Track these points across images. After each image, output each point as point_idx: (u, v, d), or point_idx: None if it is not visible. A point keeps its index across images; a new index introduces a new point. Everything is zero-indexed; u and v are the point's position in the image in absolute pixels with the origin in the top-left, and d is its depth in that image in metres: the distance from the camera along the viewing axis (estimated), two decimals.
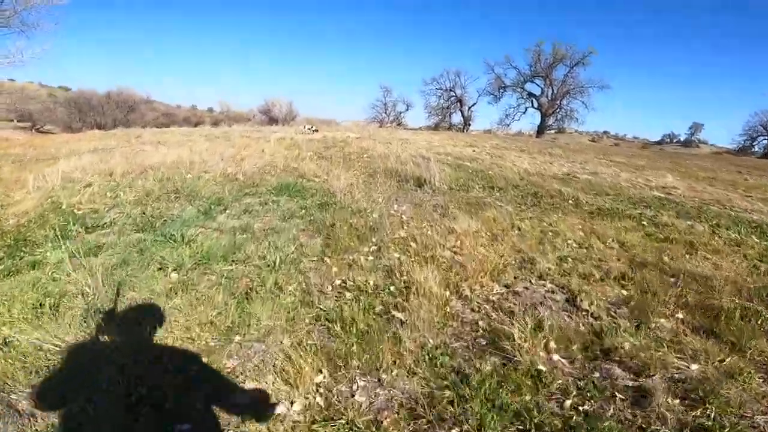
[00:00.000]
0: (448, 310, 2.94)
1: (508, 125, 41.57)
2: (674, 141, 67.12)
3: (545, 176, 8.31)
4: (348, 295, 3.05)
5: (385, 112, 46.61)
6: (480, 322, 2.84)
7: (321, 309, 2.92)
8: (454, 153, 11.56)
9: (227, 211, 4.96)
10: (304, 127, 18.24)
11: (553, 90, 38.73)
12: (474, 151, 12.79)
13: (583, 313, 3.00)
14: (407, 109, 47.21)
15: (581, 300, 3.09)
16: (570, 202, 5.99)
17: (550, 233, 4.38)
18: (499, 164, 9.76)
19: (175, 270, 3.38)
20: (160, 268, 3.42)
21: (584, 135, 67.79)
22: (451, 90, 43.40)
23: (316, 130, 17.23)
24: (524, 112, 40.66)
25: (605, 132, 69.72)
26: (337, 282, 3.20)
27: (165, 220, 4.59)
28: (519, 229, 4.45)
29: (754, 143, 45.29)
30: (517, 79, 39.99)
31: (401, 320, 2.75)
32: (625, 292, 3.28)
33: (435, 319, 2.81)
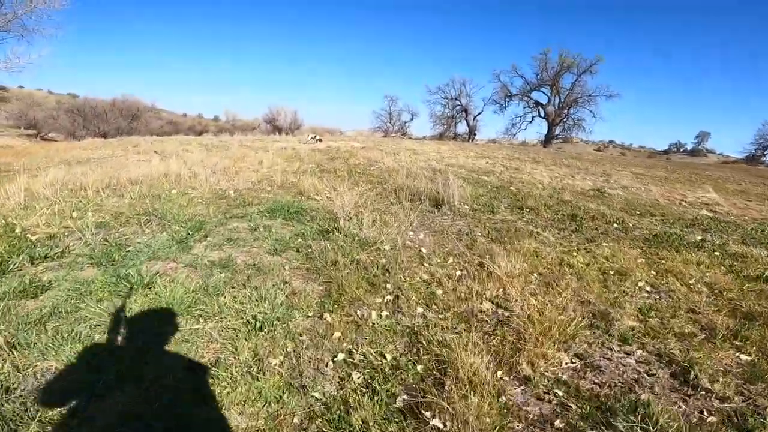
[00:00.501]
0: (504, 400, 1.99)
1: (515, 135, 40.68)
2: (681, 150, 66.01)
3: (574, 192, 7.36)
4: (356, 377, 2.10)
5: (390, 122, 45.94)
6: (556, 421, 1.89)
7: (317, 399, 1.98)
8: (467, 165, 10.64)
9: (208, 239, 4.04)
10: (308, 136, 17.41)
11: (560, 99, 37.87)
12: (487, 162, 11.87)
13: (704, 393, 2.05)
14: (412, 119, 46.53)
15: (696, 375, 2.14)
16: (615, 225, 5.03)
17: (611, 272, 3.41)
18: (518, 178, 8.81)
19: (115, 329, 2.45)
20: (98, 325, 2.50)
21: (589, 144, 66.72)
22: (456, 99, 42.68)
23: (320, 140, 16.40)
24: (531, 122, 39.78)
25: (611, 141, 68.72)
26: (341, 356, 2.24)
27: (128, 252, 3.68)
28: (570, 266, 3.49)
29: (766, 152, 44.04)
30: (524, 88, 39.20)
31: (439, 429, 1.80)
32: (745, 357, 2.33)
33: (487, 420, 1.86)
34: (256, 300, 2.73)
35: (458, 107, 43.25)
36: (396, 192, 5.95)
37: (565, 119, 38.01)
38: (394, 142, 20.02)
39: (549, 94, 38.40)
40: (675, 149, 66.42)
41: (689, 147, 65.69)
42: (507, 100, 39.80)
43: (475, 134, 43.61)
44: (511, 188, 7.07)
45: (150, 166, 8.51)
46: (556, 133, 38.78)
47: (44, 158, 14.54)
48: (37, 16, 17.04)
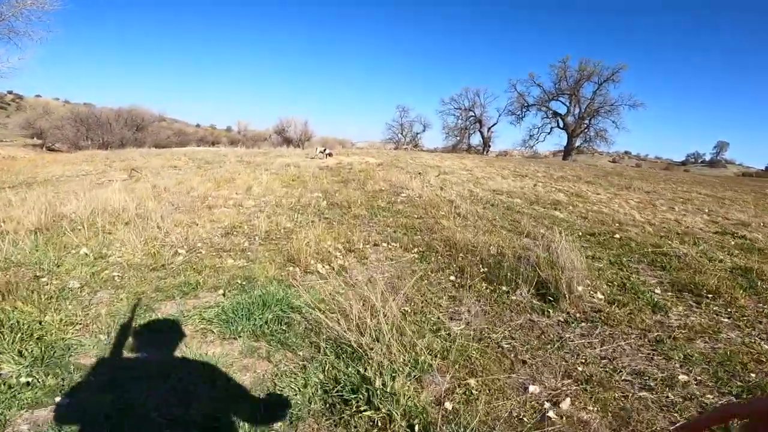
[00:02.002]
0: None
1: (533, 146, 38.04)
2: (699, 161, 62.65)
3: (708, 240, 4.81)
4: None
5: (402, 133, 43.68)
6: None
7: None
8: (516, 191, 8.11)
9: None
10: (317, 150, 15.04)
11: (580, 109, 35.22)
12: (536, 185, 9.33)
13: None
14: (424, 130, 44.19)
15: None
16: None
17: None
18: (596, 211, 6.28)
19: None
20: None
21: (604, 156, 63.56)
22: (470, 109, 40.32)
23: (330, 154, 14.00)
24: (549, 133, 37.10)
25: (626, 152, 65.58)
26: None
27: None
28: None
29: None
30: (541, 98, 36.59)
31: None
32: None
33: None
34: None
35: (472, 118, 40.87)
36: (453, 256, 3.45)
37: (586, 130, 35.32)
38: (410, 156, 17.55)
39: (568, 104, 35.78)
40: (693, 160, 63.10)
41: (708, 157, 62.36)
42: (524, 110, 37.27)
43: (489, 146, 41.08)
44: (617, 236, 4.54)
45: (102, 193, 6.15)
46: (577, 144, 36.07)
47: (16, 174, 12.39)
48: (26, 18, 15.14)
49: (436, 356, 2.01)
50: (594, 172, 15.74)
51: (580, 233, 4.67)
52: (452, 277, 3.03)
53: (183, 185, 7.13)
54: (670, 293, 2.95)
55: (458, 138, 41.49)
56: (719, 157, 61.03)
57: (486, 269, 3.14)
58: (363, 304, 2.15)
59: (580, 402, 1.78)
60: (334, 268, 3.11)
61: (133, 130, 32.63)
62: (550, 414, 1.69)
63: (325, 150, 14.49)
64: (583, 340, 2.27)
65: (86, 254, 3.32)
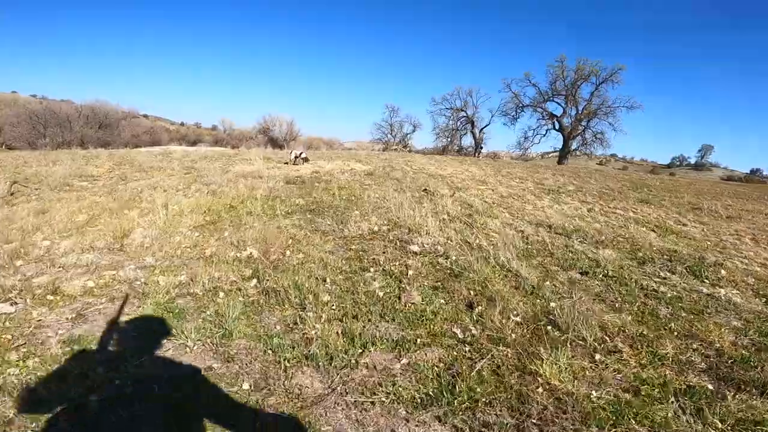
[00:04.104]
0: None
1: (527, 149, 35.39)
2: (684, 164, 61.42)
3: None
4: None
5: (391, 133, 40.63)
6: None
7: None
8: (583, 227, 5.19)
9: None
10: (291, 153, 11.93)
11: (576, 110, 32.72)
12: (591, 211, 6.45)
13: None
14: (414, 130, 41.19)
15: None
16: None
17: None
18: (761, 278, 3.44)
19: None
20: None
21: (592, 158, 61.69)
22: (461, 110, 37.48)
23: (306, 159, 10.93)
24: (544, 135, 34.47)
25: (613, 155, 63.90)
26: None
27: None
28: None
29: None
30: (537, 98, 33.93)
31: None
32: None
33: None
34: None
35: (463, 119, 38.03)
36: None
37: (582, 132, 32.84)
38: (404, 159, 14.55)
39: (564, 105, 33.20)
40: (678, 163, 61.81)
41: (692, 160, 61.15)
42: (518, 111, 34.54)
43: (481, 148, 38.39)
44: None
45: None
46: (573, 147, 33.58)
47: None
48: None
49: None
50: (620, 182, 13.03)
51: None
52: None
53: (25, 221, 4.02)
54: None
55: (449, 139, 38.69)
56: (704, 160, 59.85)
57: None
58: None
59: None
60: None
61: (95, 128, 28.75)
62: None
63: (300, 154, 11.37)
64: None
65: None
